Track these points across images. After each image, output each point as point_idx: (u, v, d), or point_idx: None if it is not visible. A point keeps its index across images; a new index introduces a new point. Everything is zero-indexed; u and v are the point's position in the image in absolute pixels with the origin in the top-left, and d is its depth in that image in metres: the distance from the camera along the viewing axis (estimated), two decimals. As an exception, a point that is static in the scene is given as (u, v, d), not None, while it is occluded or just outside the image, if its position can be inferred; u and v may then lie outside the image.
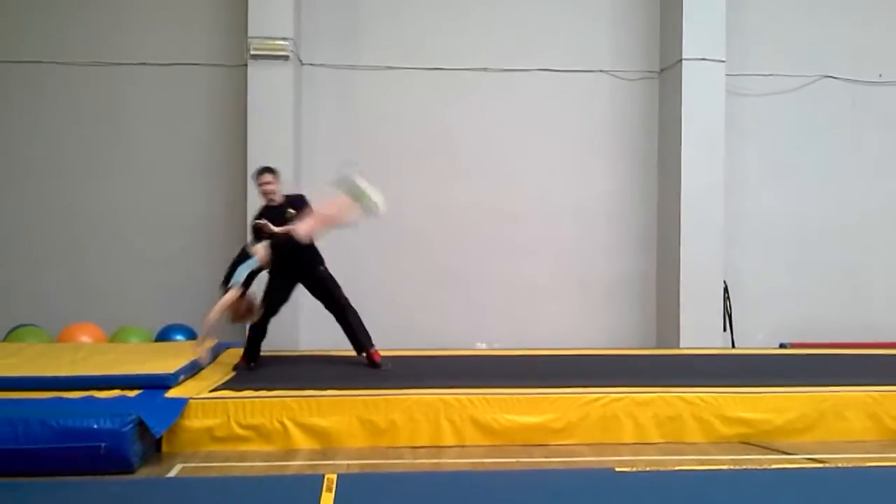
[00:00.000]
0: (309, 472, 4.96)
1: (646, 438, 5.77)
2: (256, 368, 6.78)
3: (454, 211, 9.08)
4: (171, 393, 5.69)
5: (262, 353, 7.08)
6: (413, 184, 9.04)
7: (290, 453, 5.45)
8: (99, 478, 4.71)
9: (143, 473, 4.97)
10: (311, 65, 8.93)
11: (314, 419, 5.61)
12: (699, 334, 8.62)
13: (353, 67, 9.03)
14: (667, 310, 9.02)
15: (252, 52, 8.31)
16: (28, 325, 8.21)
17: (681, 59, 8.77)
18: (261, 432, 5.57)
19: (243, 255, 6.53)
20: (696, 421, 5.82)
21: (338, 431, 5.61)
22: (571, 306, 9.22)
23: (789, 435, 5.84)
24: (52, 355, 6.63)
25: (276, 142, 8.29)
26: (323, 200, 6.75)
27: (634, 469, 4.90)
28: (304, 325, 8.15)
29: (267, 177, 6.84)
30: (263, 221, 6.60)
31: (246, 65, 8.42)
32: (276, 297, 6.88)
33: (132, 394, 5.60)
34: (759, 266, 9.34)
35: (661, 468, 5.01)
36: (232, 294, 6.32)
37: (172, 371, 5.93)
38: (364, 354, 7.00)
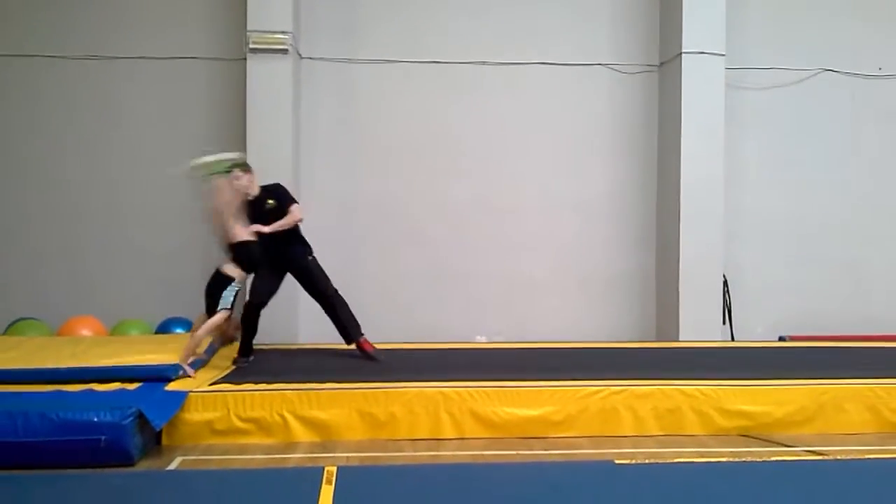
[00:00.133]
0: (309, 464, 4.97)
1: (645, 431, 5.78)
2: (256, 361, 6.78)
3: (454, 205, 9.08)
4: (171, 386, 5.69)
5: (262, 347, 7.10)
6: (412, 177, 9.05)
7: (290, 446, 5.46)
8: (99, 471, 4.72)
9: (144, 466, 4.99)
10: (311, 59, 8.92)
11: (314, 412, 5.62)
12: (699, 328, 8.62)
13: (352, 61, 9.02)
14: (666, 303, 9.03)
15: (251, 46, 8.28)
16: (28, 318, 8.22)
17: (680, 53, 8.75)
18: (261, 425, 5.57)
19: (219, 278, 6.44)
20: (696, 413, 5.83)
21: (337, 424, 5.62)
22: (571, 300, 9.22)
23: (788, 427, 5.85)
24: (53, 348, 6.64)
25: (275, 136, 8.28)
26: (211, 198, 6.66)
27: (634, 461, 4.91)
28: (304, 319, 8.14)
29: (235, 173, 6.75)
30: (255, 234, 6.61)
31: (245, 58, 8.40)
32: (265, 288, 6.88)
33: (132, 387, 5.60)
34: (758, 259, 9.34)
35: (661, 461, 5.03)
36: (221, 316, 6.34)
37: (173, 363, 5.94)
38: (354, 345, 7.02)
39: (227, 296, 6.36)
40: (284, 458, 5.18)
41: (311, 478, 4.33)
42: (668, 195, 9.01)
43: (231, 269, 6.43)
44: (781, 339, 8.92)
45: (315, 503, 3.92)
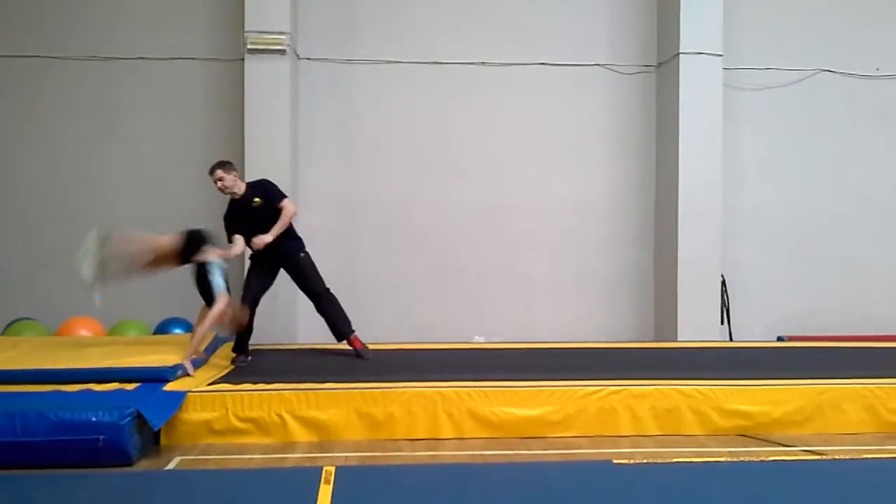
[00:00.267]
0: (307, 464, 4.97)
1: (644, 431, 5.78)
2: (254, 361, 6.77)
3: (452, 205, 9.09)
4: (170, 386, 5.69)
5: (261, 347, 7.10)
6: (410, 178, 9.06)
7: (289, 446, 5.46)
8: (97, 470, 4.72)
9: (142, 466, 4.98)
10: (309, 59, 8.93)
11: (312, 412, 5.62)
12: (697, 328, 8.63)
13: (350, 62, 9.02)
14: (664, 303, 9.04)
15: (249, 47, 8.29)
16: (26, 318, 8.21)
17: (678, 53, 8.77)
18: (259, 425, 5.57)
19: (200, 270, 6.39)
20: (694, 413, 5.83)
21: (336, 424, 5.61)
22: (569, 300, 9.23)
23: (787, 427, 5.85)
24: (51, 348, 6.63)
25: (273, 136, 8.29)
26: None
27: (632, 461, 4.92)
28: (302, 318, 8.14)
29: (217, 173, 6.68)
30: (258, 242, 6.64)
31: (243, 59, 8.41)
32: (257, 285, 6.88)
33: (130, 387, 5.59)
34: (756, 259, 9.36)
35: (659, 460, 5.03)
36: (223, 302, 6.28)
37: (171, 364, 5.94)
38: (345, 342, 7.03)
39: (215, 279, 6.31)
40: (283, 457, 5.17)
41: (309, 477, 4.33)
42: (667, 195, 9.02)
43: (205, 254, 6.36)
44: (780, 338, 8.93)
45: (313, 503, 3.92)
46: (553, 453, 5.31)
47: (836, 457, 5.17)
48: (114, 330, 8.07)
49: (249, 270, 6.99)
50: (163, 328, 8.15)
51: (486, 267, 9.11)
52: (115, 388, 5.57)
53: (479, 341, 8.73)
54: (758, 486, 4.33)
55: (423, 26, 9.12)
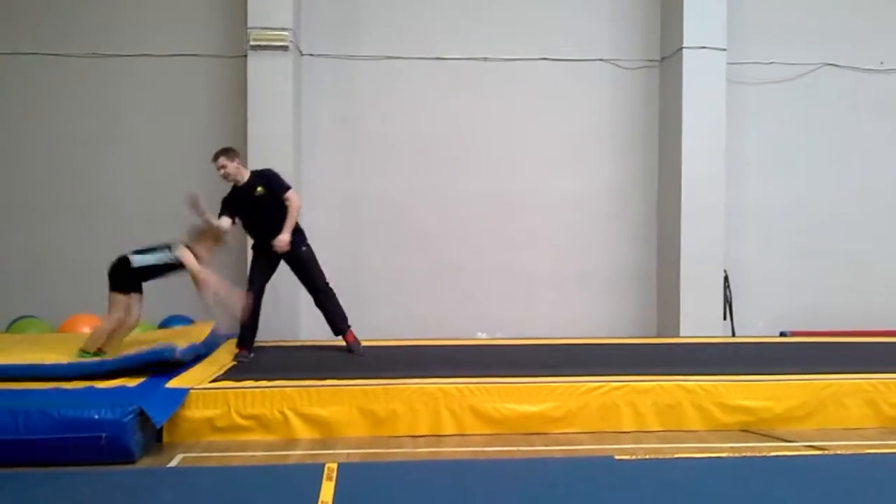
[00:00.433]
0: (309, 461, 4.97)
1: (645, 426, 5.78)
2: (256, 358, 6.78)
3: (454, 201, 9.09)
4: (172, 383, 5.69)
5: (263, 344, 7.11)
6: (413, 174, 9.06)
7: (291, 443, 5.46)
8: (100, 468, 4.71)
9: (144, 463, 4.99)
10: (311, 55, 8.92)
11: (314, 409, 5.62)
12: (699, 323, 8.63)
13: (352, 58, 9.01)
14: (667, 299, 9.03)
15: (251, 43, 8.29)
16: (29, 316, 8.24)
17: (681, 48, 8.75)
18: (261, 422, 5.57)
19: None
20: (696, 409, 5.82)
21: (338, 421, 5.61)
22: (572, 296, 9.23)
23: (789, 422, 5.84)
24: (53, 346, 6.63)
25: (276, 133, 8.29)
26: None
27: (634, 457, 4.90)
28: (305, 315, 8.15)
29: (220, 160, 6.72)
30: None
31: (245, 56, 8.42)
32: (261, 277, 6.91)
33: (133, 384, 5.60)
34: (759, 255, 9.34)
35: (661, 456, 5.02)
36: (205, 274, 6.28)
37: (168, 346, 5.95)
38: (340, 336, 7.09)
39: (148, 258, 6.29)
40: (285, 454, 5.17)
41: (311, 474, 4.34)
42: (669, 190, 9.00)
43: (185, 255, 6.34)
44: (782, 334, 8.92)
45: (316, 499, 3.92)
46: (555, 449, 5.31)
47: (839, 452, 5.16)
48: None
49: (252, 263, 7.02)
50: (166, 325, 8.17)
51: (488, 263, 9.11)
52: (118, 385, 5.58)
53: (482, 338, 8.74)
54: (760, 482, 4.33)
55: (425, 22, 9.11)
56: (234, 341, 7.07)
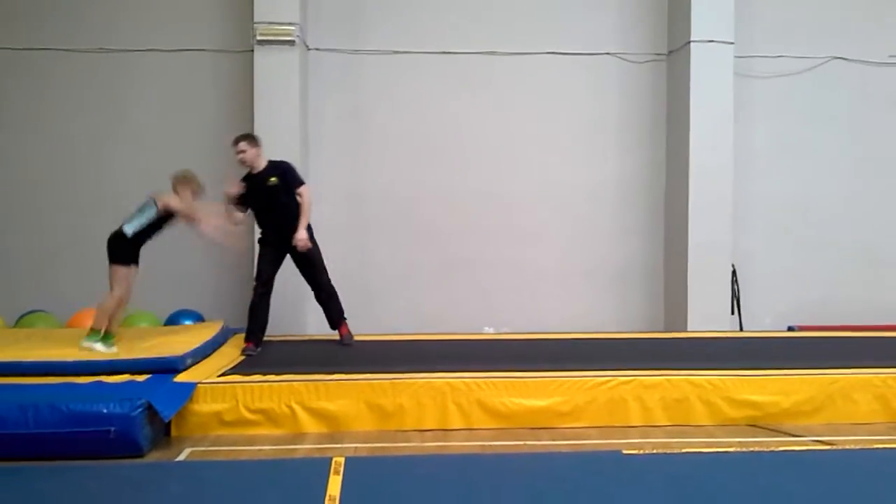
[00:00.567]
0: (317, 455, 4.99)
1: (653, 421, 5.78)
2: (264, 353, 6.80)
3: (461, 195, 9.07)
4: (180, 377, 5.71)
5: (271, 338, 7.12)
6: (420, 168, 9.04)
7: (299, 437, 5.48)
8: (108, 462, 4.74)
9: (153, 457, 5.01)
10: (318, 50, 8.91)
11: (322, 403, 5.64)
12: (707, 318, 8.60)
13: (359, 52, 9.00)
14: (674, 293, 9.01)
15: (258, 38, 8.28)
16: (38, 311, 8.26)
17: (689, 42, 8.70)
18: (269, 416, 5.59)
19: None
20: (704, 404, 5.82)
21: (346, 415, 5.63)
22: (579, 290, 9.20)
23: (797, 417, 5.84)
24: (62, 340, 6.66)
25: (282, 127, 8.28)
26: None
27: (642, 452, 4.91)
28: (312, 310, 8.14)
29: (241, 145, 6.83)
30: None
31: (252, 50, 8.41)
32: (269, 268, 6.95)
33: (141, 378, 5.63)
34: (767, 249, 9.30)
35: (669, 451, 5.02)
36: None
37: (180, 354, 5.97)
38: (336, 329, 7.22)
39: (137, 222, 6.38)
40: (293, 448, 5.20)
41: (319, 468, 4.36)
42: (677, 184, 8.97)
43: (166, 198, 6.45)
44: (790, 328, 8.89)
45: (323, 493, 3.94)
46: (562, 444, 5.31)
47: (847, 447, 5.15)
48: (124, 322, 8.08)
49: (260, 255, 7.06)
50: (173, 320, 8.18)
51: (496, 258, 9.10)
52: (126, 379, 5.61)
53: (489, 332, 8.73)
54: (768, 477, 4.32)
55: (431, 16, 9.08)
56: (241, 336, 7.09)
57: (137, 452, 4.95)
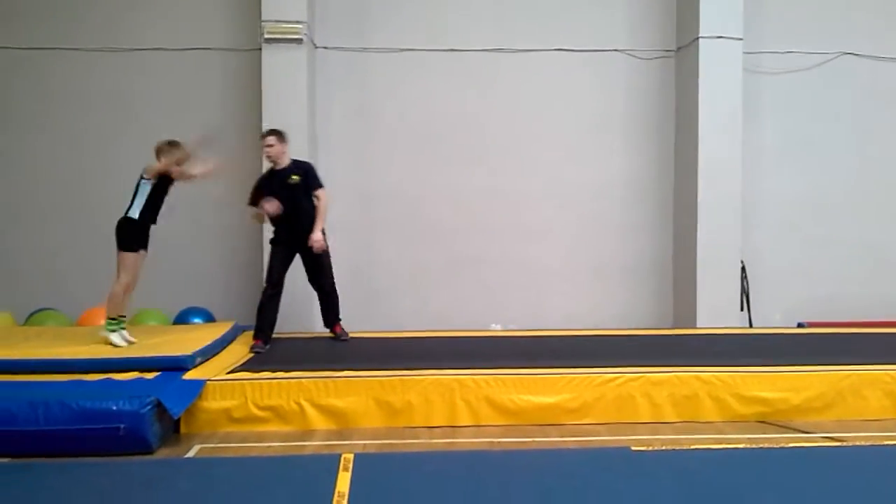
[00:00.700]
0: (326, 452, 4.99)
1: (662, 418, 5.77)
2: (273, 350, 6.81)
3: (469, 192, 9.06)
4: (189, 375, 5.73)
5: (279, 335, 7.14)
6: (427, 166, 9.04)
7: (307, 434, 5.49)
8: (118, 459, 4.75)
9: (162, 454, 5.03)
10: (325, 48, 8.92)
11: (331, 400, 5.65)
12: (716, 314, 8.57)
13: (366, 50, 9.00)
14: (683, 290, 8.98)
15: (266, 36, 8.30)
16: (48, 308, 8.29)
17: (697, 38, 8.67)
18: (278, 413, 5.61)
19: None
20: (713, 400, 5.80)
21: (354, 412, 5.64)
22: (587, 287, 9.19)
23: (807, 414, 5.82)
24: (72, 338, 6.69)
25: (290, 125, 8.21)
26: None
27: (650, 448, 4.90)
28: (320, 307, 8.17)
29: (270, 139, 6.95)
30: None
31: (260, 49, 8.42)
32: (279, 268, 7.01)
33: (150, 376, 5.65)
34: (777, 245, 9.27)
35: (678, 447, 5.01)
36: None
37: (190, 353, 5.99)
38: (329, 329, 7.35)
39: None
40: (301, 445, 5.21)
41: (327, 465, 4.36)
42: (686, 181, 8.95)
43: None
44: (800, 325, 8.85)
45: (332, 490, 3.94)
46: (571, 440, 5.31)
47: (857, 443, 5.13)
48: (133, 320, 8.12)
49: (272, 254, 7.09)
50: (182, 318, 8.21)
51: (503, 255, 9.09)
52: (136, 377, 5.63)
53: (496, 329, 8.72)
54: (778, 474, 4.31)
55: (439, 14, 9.08)
56: (250, 333, 7.11)
57: (147, 449, 4.96)
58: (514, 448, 5.15)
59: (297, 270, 7.21)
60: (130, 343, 6.36)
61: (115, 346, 6.26)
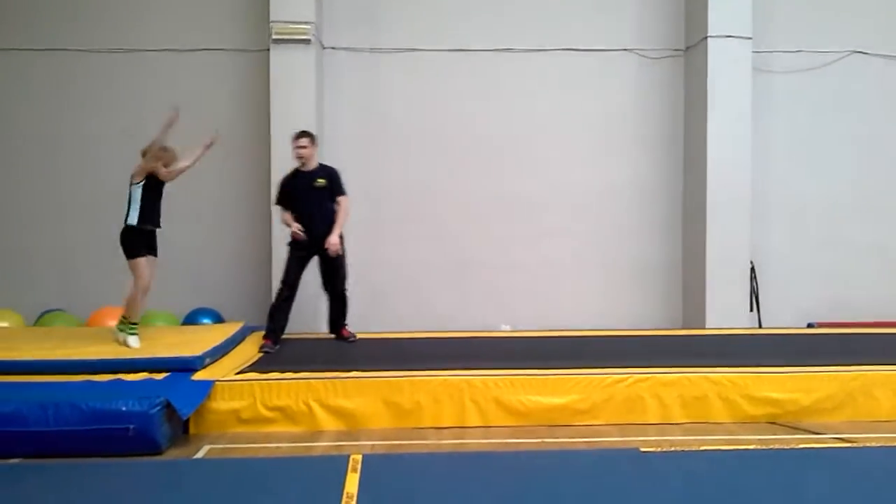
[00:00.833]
0: (334, 452, 4.99)
1: (671, 419, 5.75)
2: (281, 351, 6.82)
3: (478, 193, 9.05)
4: (198, 375, 5.75)
5: (288, 336, 7.15)
6: (435, 166, 9.04)
7: (316, 434, 5.50)
8: (127, 459, 4.76)
9: (171, 455, 5.04)
10: (333, 48, 8.92)
11: (339, 401, 5.65)
12: (726, 315, 8.54)
13: (373, 50, 9.01)
14: (693, 290, 8.95)
15: (274, 37, 8.31)
16: (57, 310, 8.32)
17: (706, 37, 8.64)
18: (286, 414, 5.61)
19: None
20: (723, 401, 5.78)
21: (363, 413, 5.64)
22: (597, 288, 9.17)
23: (817, 415, 5.79)
24: (81, 339, 6.71)
25: (298, 125, 8.22)
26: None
27: (660, 449, 4.88)
28: (327, 308, 8.18)
29: (303, 140, 7.06)
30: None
31: (268, 49, 8.44)
32: (296, 271, 7.05)
33: (159, 377, 5.67)
34: (786, 245, 9.23)
35: (687, 448, 4.99)
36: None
37: (199, 353, 6.00)
38: (334, 333, 7.41)
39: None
40: (310, 446, 5.21)
41: (336, 465, 4.37)
42: (695, 181, 8.92)
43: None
44: (810, 325, 8.82)
45: (340, 491, 3.94)
46: (580, 441, 5.29)
47: (868, 444, 5.10)
48: (142, 321, 8.12)
49: (289, 257, 7.10)
50: (191, 318, 8.22)
51: (512, 255, 9.07)
52: (145, 378, 5.65)
53: (505, 330, 8.71)
54: (788, 475, 4.29)
55: (447, 14, 9.07)
56: (259, 334, 7.13)
57: (156, 450, 4.97)
58: (523, 449, 5.14)
59: (306, 272, 7.21)
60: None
61: (131, 347, 6.28)
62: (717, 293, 8.59)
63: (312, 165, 7.11)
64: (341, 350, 7.01)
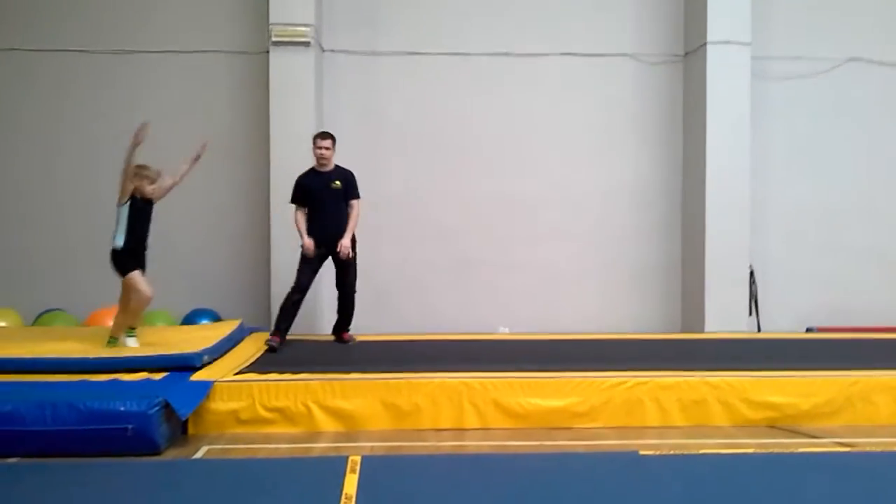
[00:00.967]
0: (333, 454, 4.99)
1: (670, 422, 5.75)
2: (281, 351, 6.82)
3: (477, 196, 9.06)
4: (197, 376, 5.73)
5: (288, 337, 7.15)
6: (435, 169, 9.05)
7: (315, 435, 5.49)
8: (126, 459, 4.75)
9: (170, 455, 5.03)
10: (333, 51, 8.93)
11: (338, 402, 5.64)
12: (725, 319, 8.55)
13: (373, 53, 9.02)
14: (692, 294, 8.96)
15: (274, 39, 8.33)
16: (56, 309, 8.32)
17: (705, 43, 8.67)
18: (285, 415, 5.60)
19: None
20: (722, 405, 5.78)
21: (362, 414, 5.63)
22: (595, 291, 9.18)
23: (816, 419, 5.79)
24: (80, 339, 6.70)
25: (298, 128, 8.31)
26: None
27: (659, 452, 4.88)
28: (328, 310, 8.16)
29: (326, 142, 7.14)
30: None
31: (268, 52, 8.45)
32: (308, 274, 7.09)
33: (158, 376, 5.66)
34: (785, 250, 9.24)
35: (686, 452, 4.99)
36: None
37: (197, 351, 6.02)
38: (336, 336, 7.45)
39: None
40: (309, 447, 5.20)
41: (335, 467, 4.36)
42: (694, 186, 8.93)
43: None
44: (809, 330, 8.83)
45: (339, 492, 3.93)
46: (579, 444, 5.29)
47: (867, 449, 5.10)
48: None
49: (303, 261, 7.13)
50: (190, 319, 8.22)
51: (511, 258, 9.08)
52: (143, 377, 5.64)
53: (504, 332, 8.71)
54: (787, 479, 4.29)
55: (446, 17, 9.09)
56: (259, 334, 7.15)
57: (154, 450, 4.96)
58: (522, 451, 5.12)
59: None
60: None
61: (130, 347, 6.32)
62: (716, 297, 8.61)
63: (330, 166, 7.18)
64: (340, 352, 7.01)
